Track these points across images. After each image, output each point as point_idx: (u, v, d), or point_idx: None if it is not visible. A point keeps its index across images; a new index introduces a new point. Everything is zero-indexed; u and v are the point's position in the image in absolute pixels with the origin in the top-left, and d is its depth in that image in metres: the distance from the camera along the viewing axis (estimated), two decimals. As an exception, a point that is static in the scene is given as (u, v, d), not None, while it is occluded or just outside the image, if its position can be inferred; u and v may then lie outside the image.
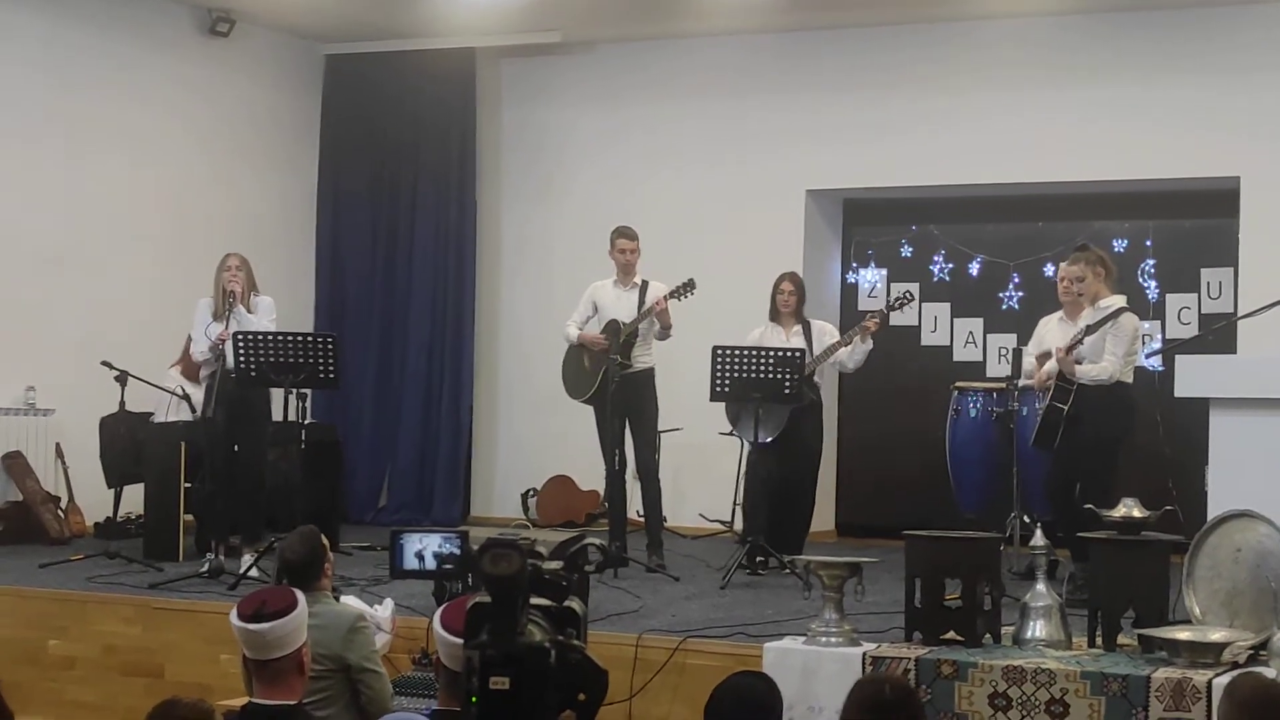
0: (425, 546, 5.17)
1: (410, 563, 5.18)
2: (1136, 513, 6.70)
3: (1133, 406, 8.46)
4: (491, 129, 12.81)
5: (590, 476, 11.18)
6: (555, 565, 3.19)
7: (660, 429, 9.71)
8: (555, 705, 3.02)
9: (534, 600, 3.12)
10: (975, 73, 11.40)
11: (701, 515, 11.20)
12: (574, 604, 3.23)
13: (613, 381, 9.30)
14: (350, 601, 6.65)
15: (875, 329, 9.35)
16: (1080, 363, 8.22)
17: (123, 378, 9.22)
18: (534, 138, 12.72)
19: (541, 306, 12.09)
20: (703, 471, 11.11)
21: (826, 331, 9.63)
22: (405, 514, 12.31)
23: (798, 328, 9.53)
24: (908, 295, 9.91)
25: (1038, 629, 6.60)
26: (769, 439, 9.13)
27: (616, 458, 9.39)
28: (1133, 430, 8.57)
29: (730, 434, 9.75)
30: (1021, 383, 9.13)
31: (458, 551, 4.74)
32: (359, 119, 12.76)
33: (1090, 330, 8.21)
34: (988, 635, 6.58)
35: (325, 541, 6.07)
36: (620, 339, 9.40)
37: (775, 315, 9.58)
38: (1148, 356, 10.21)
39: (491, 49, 12.55)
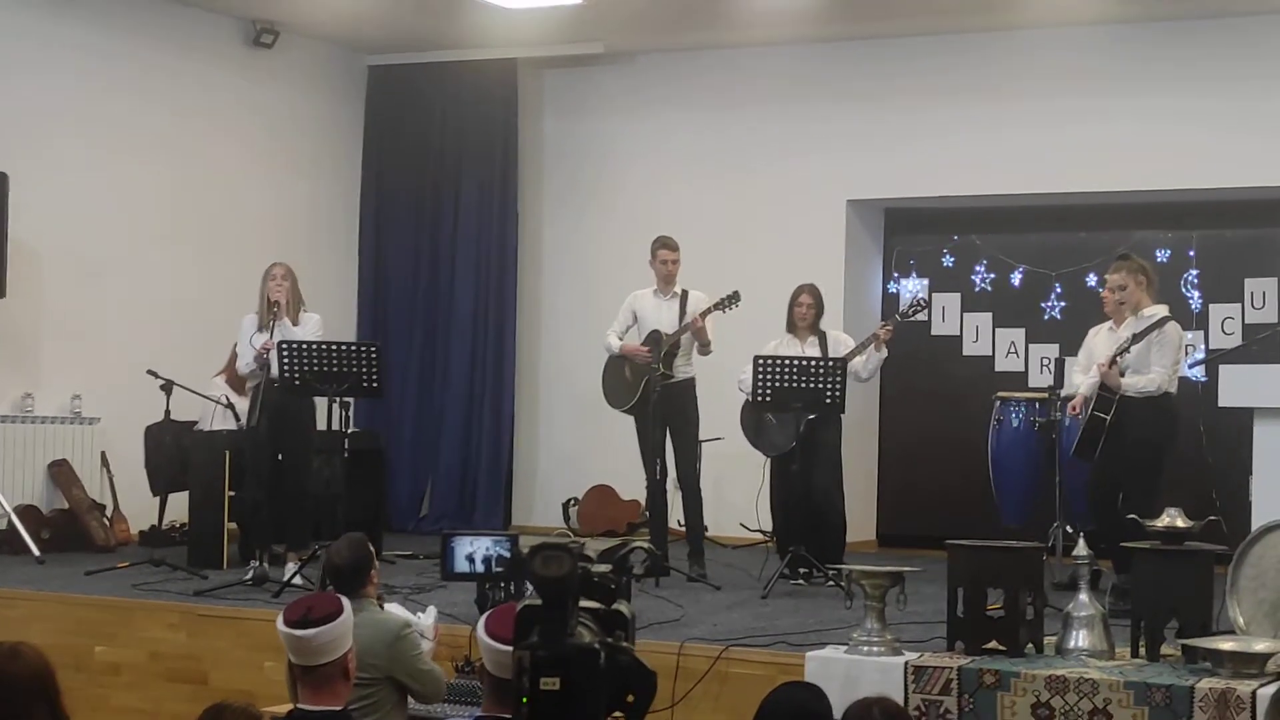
0: (476, 549, 5.21)
1: (461, 565, 5.22)
2: (1180, 523, 6.68)
3: (1176, 416, 8.43)
4: (533, 139, 12.86)
5: (631, 486, 11.21)
6: (604, 568, 3.21)
7: (701, 438, 9.73)
8: (604, 706, 3.04)
9: (583, 603, 3.15)
10: (1017, 82, 11.39)
11: (743, 525, 11.19)
12: (622, 607, 3.26)
13: (654, 391, 9.32)
14: (393, 609, 6.68)
15: (887, 337, 9.35)
16: (1124, 374, 8.20)
17: (168, 387, 9.29)
18: (575, 147, 12.77)
19: (583, 316, 12.12)
20: (744, 481, 11.07)
21: (842, 342, 9.59)
22: (447, 523, 12.32)
23: (813, 339, 9.51)
24: (921, 301, 9.93)
25: (1080, 639, 6.58)
26: (785, 449, 9.13)
27: (658, 467, 9.41)
28: (1176, 440, 8.53)
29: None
30: (1064, 392, 9.10)
31: (508, 554, 4.77)
32: (402, 129, 12.83)
33: (1135, 340, 8.19)
34: (1030, 645, 6.57)
35: (372, 549, 6.10)
36: (662, 350, 9.42)
37: (791, 327, 9.55)
38: (1191, 367, 10.18)
39: (534, 59, 12.60)
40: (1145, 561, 6.69)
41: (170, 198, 11.41)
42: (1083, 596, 6.66)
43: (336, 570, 5.98)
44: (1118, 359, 8.24)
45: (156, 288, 11.21)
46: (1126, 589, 7.59)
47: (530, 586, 3.15)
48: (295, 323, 8.98)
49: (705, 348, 9.47)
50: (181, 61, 11.49)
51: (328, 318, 9.45)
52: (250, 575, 8.61)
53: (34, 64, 10.57)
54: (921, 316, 10.03)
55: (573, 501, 12.34)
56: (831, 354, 9.33)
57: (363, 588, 5.99)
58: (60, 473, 10.47)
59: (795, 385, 8.89)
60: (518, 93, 12.64)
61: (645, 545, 3.17)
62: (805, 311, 9.50)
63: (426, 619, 6.95)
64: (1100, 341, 8.92)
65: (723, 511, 10.97)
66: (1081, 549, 6.82)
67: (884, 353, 9.40)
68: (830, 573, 8.62)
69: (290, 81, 12.32)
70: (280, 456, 9.01)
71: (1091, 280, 11.21)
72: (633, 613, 3.39)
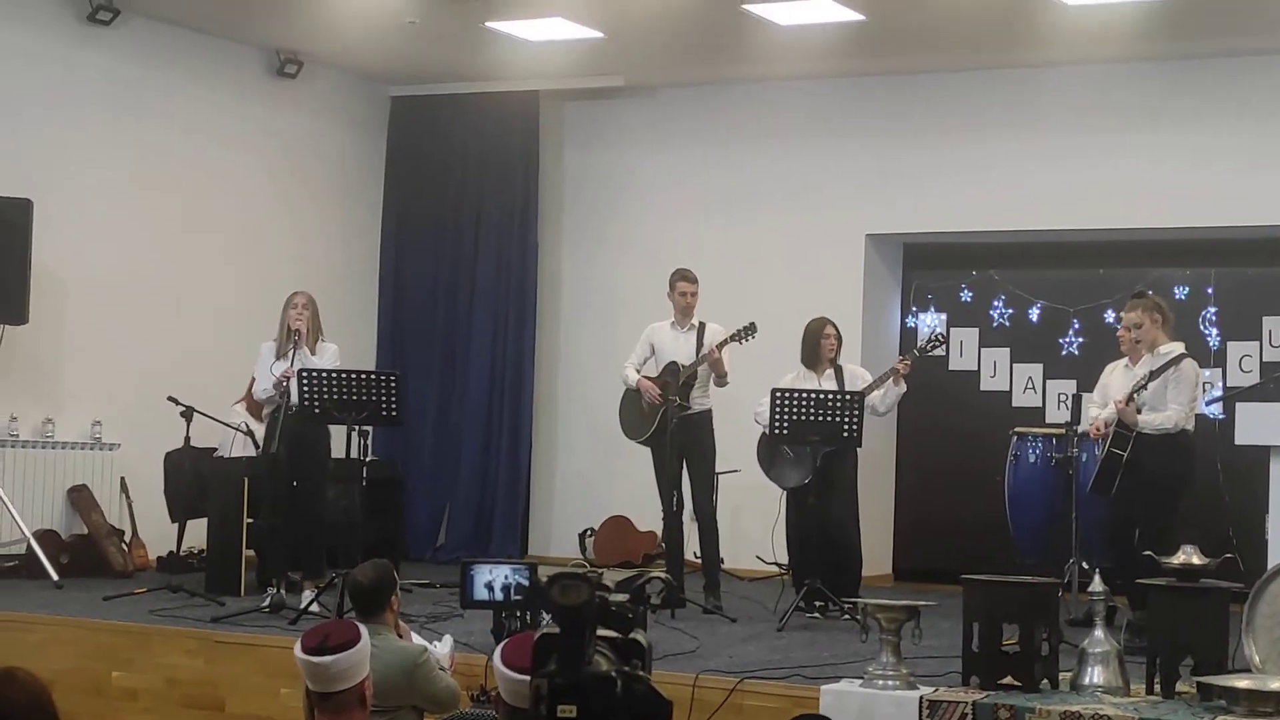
0: (495, 577, 5.24)
1: (480, 593, 5.24)
2: (1196, 560, 6.68)
3: (1193, 453, 8.44)
4: (554, 171, 12.92)
5: (648, 517, 11.22)
6: (621, 598, 3.24)
7: (718, 470, 9.75)
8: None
9: (600, 631, 3.17)
10: (1037, 118, 11.43)
11: (758, 557, 11.20)
12: (639, 636, 3.29)
13: (671, 423, 9.34)
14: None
15: (906, 371, 9.36)
16: (1141, 411, 8.21)
17: (188, 413, 9.33)
18: (596, 179, 12.82)
19: (601, 346, 12.16)
20: (760, 513, 11.07)
21: (859, 376, 9.60)
22: (464, 552, 12.34)
23: (830, 372, 9.52)
24: (939, 337, 9.97)
25: (1096, 675, 6.57)
26: (801, 483, 9.15)
27: (674, 499, 9.43)
28: (1192, 477, 8.54)
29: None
30: (1081, 428, 9.11)
31: (526, 582, 4.79)
32: (423, 159, 12.89)
33: (1151, 377, 8.20)
34: (1045, 681, 6.56)
35: (396, 576, 6.12)
36: (679, 381, 9.44)
37: (813, 361, 9.54)
38: (1208, 404, 10.17)
39: (555, 92, 12.66)
40: (1161, 598, 6.68)
41: (193, 224, 11.48)
42: (1098, 633, 6.66)
43: (358, 587, 6.01)
44: (1134, 396, 8.25)
45: (178, 315, 11.28)
46: (1142, 625, 7.58)
47: (547, 616, 3.19)
48: (313, 352, 9.02)
49: (722, 379, 9.50)
50: (206, 90, 11.58)
51: (347, 346, 9.51)
52: (267, 602, 8.64)
53: (60, 91, 10.65)
54: (939, 351, 10.06)
55: (589, 532, 12.36)
56: (848, 388, 9.33)
57: (382, 612, 6.01)
58: (80, 498, 10.53)
59: (813, 419, 8.91)
60: (539, 124, 12.71)
61: (662, 575, 3.18)
62: (832, 344, 9.52)
63: (442, 648, 6.96)
64: (1116, 378, 8.92)
65: (739, 543, 10.98)
66: (1097, 585, 6.82)
67: (903, 387, 9.41)
68: (846, 606, 8.63)
69: (313, 111, 12.40)
70: (296, 484, 9.04)
71: (1110, 317, 11.22)
72: (649, 642, 3.42)
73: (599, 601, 3.06)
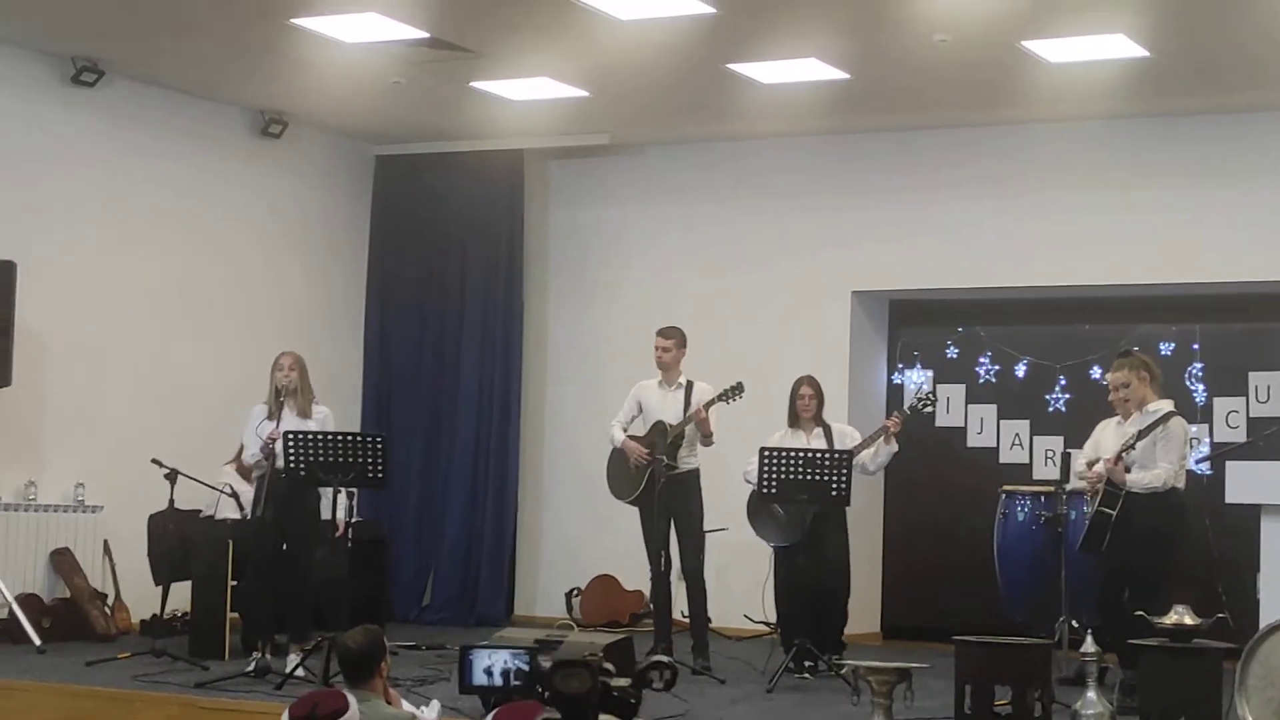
0: (494, 662, 5.17)
1: (479, 678, 5.17)
2: (1188, 620, 6.67)
3: (1182, 511, 8.43)
4: (539, 228, 12.92)
5: (634, 576, 11.17)
6: (623, 683, 3.18)
7: (705, 529, 9.71)
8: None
9: (602, 717, 3.11)
10: (1022, 175, 11.46)
11: (746, 616, 11.15)
12: (640, 722, 3.23)
13: (658, 482, 9.30)
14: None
15: (896, 430, 9.36)
16: (1130, 469, 8.20)
17: (172, 475, 9.27)
18: (581, 237, 12.82)
19: (588, 405, 12.13)
20: (748, 572, 11.05)
21: (847, 435, 9.62)
22: (449, 612, 12.31)
23: (818, 430, 9.54)
24: (931, 396, 9.97)
25: (1089, 737, 6.54)
26: (792, 541, 9.12)
27: (662, 559, 9.38)
28: (1182, 535, 8.53)
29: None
30: (1070, 486, 9.09)
31: (526, 668, 4.71)
32: (408, 218, 12.89)
33: (1140, 436, 8.20)
34: (1039, 743, 6.53)
35: (386, 643, 6.07)
36: (667, 440, 9.41)
37: (795, 420, 9.57)
38: (1197, 462, 10.17)
39: (540, 150, 12.68)
40: (1154, 659, 6.67)
41: (178, 286, 11.45)
42: (1090, 694, 6.65)
43: (348, 652, 5.96)
44: (1123, 455, 8.25)
45: (162, 376, 11.23)
46: (1134, 685, 7.56)
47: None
48: (307, 414, 8.97)
49: (708, 439, 9.47)
50: (191, 150, 11.56)
51: (332, 404, 9.44)
52: (252, 666, 8.56)
53: (44, 152, 10.63)
54: (929, 409, 10.06)
55: (575, 591, 12.29)
56: (837, 446, 9.32)
57: (370, 679, 5.96)
58: (62, 561, 10.44)
59: (801, 477, 8.89)
60: (524, 182, 12.71)
61: (667, 660, 3.11)
62: (808, 403, 9.53)
63: (430, 713, 6.90)
64: (1108, 435, 8.93)
65: (726, 602, 10.93)
66: (1089, 646, 6.81)
67: (894, 446, 9.41)
68: (833, 664, 8.58)
69: (298, 171, 12.39)
70: (285, 546, 8.97)
71: (1096, 373, 11.21)
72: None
73: (601, 687, 3.01)
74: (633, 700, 3.20)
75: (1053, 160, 11.39)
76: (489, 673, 5.53)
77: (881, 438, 9.37)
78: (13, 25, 10.03)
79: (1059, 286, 11.45)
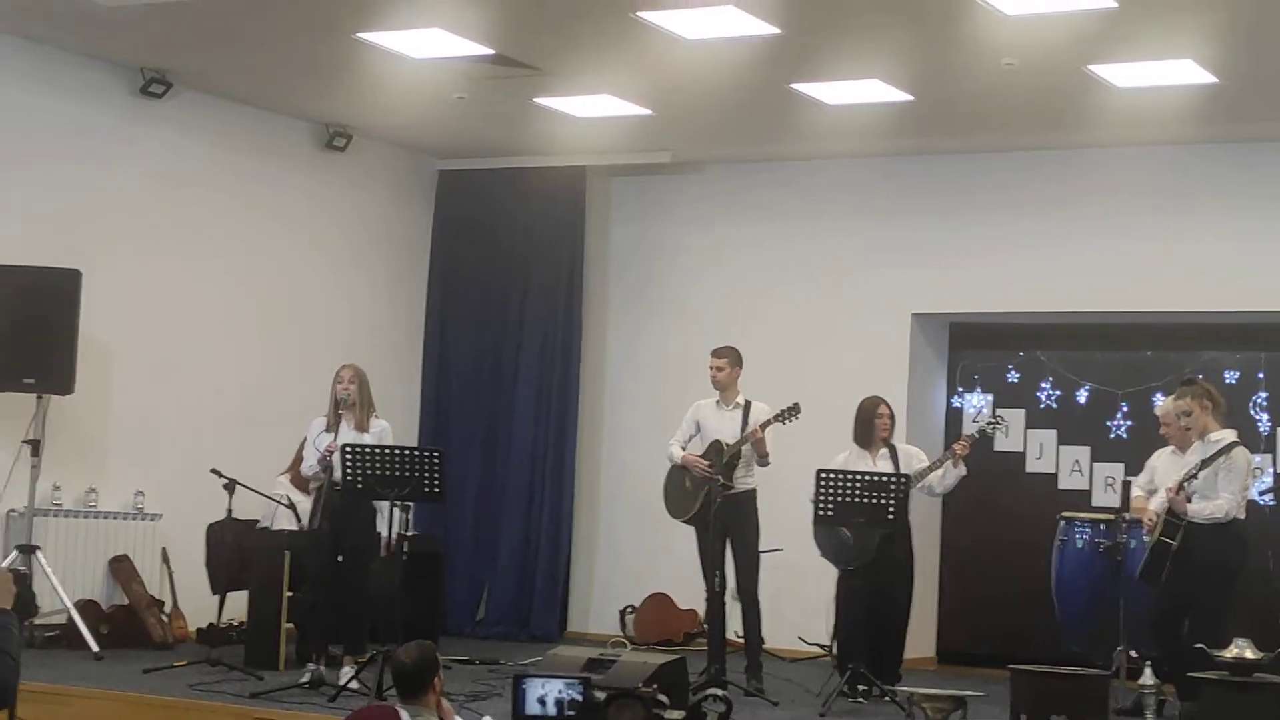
0: (548, 692, 5.15)
1: (533, 708, 5.15)
2: (1249, 654, 6.61)
3: (1244, 542, 8.35)
4: (600, 245, 12.93)
5: (689, 595, 11.13)
6: (678, 716, 3.17)
7: (761, 549, 9.68)
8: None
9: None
10: (1086, 199, 11.39)
11: (800, 638, 11.11)
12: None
13: (715, 502, 9.28)
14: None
15: (965, 453, 9.31)
16: (1191, 500, 8.13)
17: (231, 486, 9.32)
18: (642, 255, 12.83)
19: (644, 422, 12.12)
20: (802, 593, 11.04)
21: (914, 456, 9.59)
22: (503, 627, 12.33)
23: (885, 451, 9.50)
24: (998, 419, 9.90)
25: (1147, 770, 6.48)
26: (859, 564, 9.08)
27: (717, 579, 9.36)
28: (1243, 566, 8.44)
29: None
30: (1130, 515, 9.02)
31: (580, 698, 4.68)
32: (470, 233, 12.93)
33: (1203, 465, 8.12)
34: (1094, 774, 6.47)
35: (439, 658, 6.07)
36: (723, 460, 9.39)
37: (866, 440, 9.53)
38: (1260, 494, 10.06)
39: (602, 167, 12.69)
40: (1215, 693, 6.60)
41: (240, 297, 11.53)
42: (1148, 727, 6.57)
43: (401, 667, 5.96)
44: (1185, 485, 8.17)
45: (223, 386, 11.30)
46: (1192, 716, 7.48)
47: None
48: (365, 427, 9.00)
49: (764, 460, 9.44)
50: (255, 163, 11.65)
51: (390, 417, 9.46)
52: (307, 678, 8.60)
53: (112, 162, 10.72)
54: (995, 432, 10.00)
55: (629, 609, 12.28)
56: (903, 468, 9.32)
57: (424, 694, 5.94)
58: (121, 568, 10.52)
59: (859, 500, 8.86)
60: (585, 199, 12.73)
61: (720, 693, 3.08)
62: (886, 423, 9.51)
63: (482, 729, 6.92)
64: (1163, 464, 8.86)
65: (781, 624, 10.87)
66: (1148, 678, 6.74)
67: (962, 470, 9.38)
68: (888, 690, 8.53)
69: (361, 184, 12.46)
70: (340, 559, 9.01)
71: (1159, 399, 11.11)
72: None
73: (655, 719, 3.00)
74: (687, 733, 3.19)
75: (1117, 185, 11.31)
76: (542, 702, 5.50)
77: (950, 460, 9.34)
78: (83, 36, 10.13)
79: (1122, 312, 11.36)
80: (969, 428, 11.66)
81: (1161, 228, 11.15)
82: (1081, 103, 10.16)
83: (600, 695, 2.92)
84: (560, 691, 5.10)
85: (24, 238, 10.10)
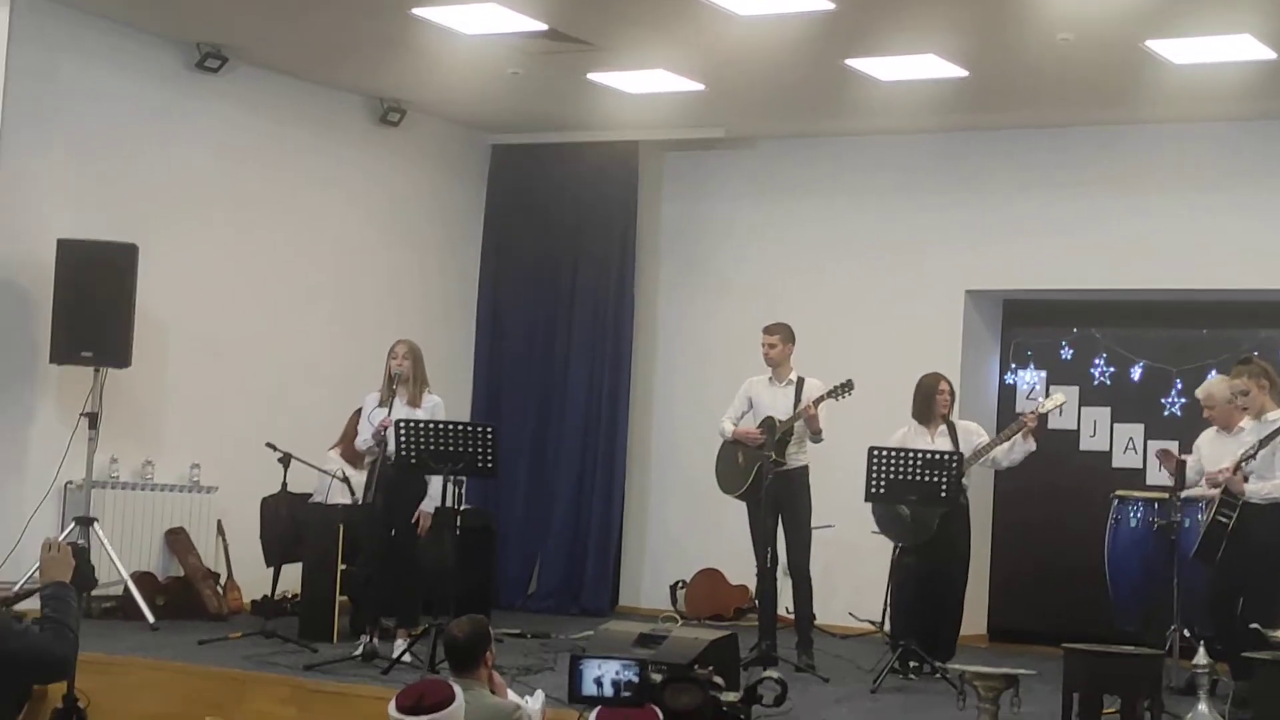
0: (604, 673, 5.18)
1: (589, 688, 5.19)
2: (1304, 634, 6.56)
3: (1301, 521, 8.28)
4: (652, 220, 12.93)
5: (740, 570, 11.16)
6: (733, 698, 3.18)
7: (813, 526, 9.68)
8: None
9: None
10: (1140, 176, 11.31)
11: (851, 614, 11.11)
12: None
13: (767, 478, 9.28)
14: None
15: (1034, 425, 9.30)
16: (1248, 479, 8.08)
17: (286, 459, 9.38)
18: (694, 230, 12.82)
19: (697, 398, 12.13)
20: (854, 570, 11.04)
21: (973, 431, 9.58)
22: (554, 601, 12.38)
23: (943, 428, 9.48)
24: (1061, 399, 9.89)
25: (1200, 749, 6.45)
26: (917, 542, 9.07)
27: (768, 555, 9.37)
28: (1301, 546, 8.38)
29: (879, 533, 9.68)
30: (1185, 494, 8.96)
31: (636, 679, 4.71)
32: (523, 208, 12.95)
33: (1261, 445, 8.08)
34: (1147, 754, 6.45)
35: (492, 632, 6.11)
36: (775, 436, 9.38)
37: (926, 416, 9.52)
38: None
39: (655, 142, 12.68)
40: (1269, 673, 6.56)
41: (294, 271, 11.59)
42: (1202, 707, 6.57)
43: (454, 642, 6.00)
44: (1242, 464, 8.13)
45: (278, 360, 11.38)
46: (1245, 697, 7.45)
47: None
48: (419, 403, 9.04)
49: (817, 436, 9.43)
50: (310, 137, 11.70)
51: (443, 392, 9.51)
52: (360, 651, 8.66)
53: (168, 137, 10.79)
54: (1057, 413, 9.99)
55: (680, 584, 12.31)
56: (961, 445, 9.32)
57: (475, 669, 5.99)
58: (177, 540, 10.61)
59: (910, 478, 8.85)
60: (638, 174, 12.73)
61: (776, 676, 3.09)
62: (946, 399, 9.51)
63: (534, 704, 6.93)
64: (1207, 444, 8.82)
65: (832, 600, 10.87)
66: (1202, 658, 6.71)
67: (1032, 444, 9.37)
68: (939, 668, 8.53)
69: (415, 159, 12.49)
70: (394, 532, 9.06)
71: (1213, 377, 11.03)
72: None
73: (711, 702, 3.01)
74: (742, 716, 3.20)
75: (1173, 161, 11.23)
76: (599, 683, 5.53)
77: (1020, 434, 9.33)
78: (139, 12, 10.19)
79: (1177, 290, 11.29)
80: (1024, 405, 11.61)
81: (1217, 205, 11.07)
82: (1137, 78, 10.09)
83: (656, 677, 2.93)
84: (617, 673, 5.11)
85: (81, 212, 10.19)
